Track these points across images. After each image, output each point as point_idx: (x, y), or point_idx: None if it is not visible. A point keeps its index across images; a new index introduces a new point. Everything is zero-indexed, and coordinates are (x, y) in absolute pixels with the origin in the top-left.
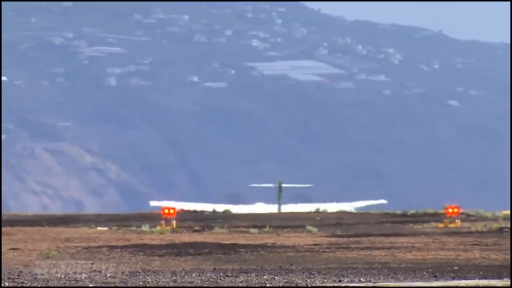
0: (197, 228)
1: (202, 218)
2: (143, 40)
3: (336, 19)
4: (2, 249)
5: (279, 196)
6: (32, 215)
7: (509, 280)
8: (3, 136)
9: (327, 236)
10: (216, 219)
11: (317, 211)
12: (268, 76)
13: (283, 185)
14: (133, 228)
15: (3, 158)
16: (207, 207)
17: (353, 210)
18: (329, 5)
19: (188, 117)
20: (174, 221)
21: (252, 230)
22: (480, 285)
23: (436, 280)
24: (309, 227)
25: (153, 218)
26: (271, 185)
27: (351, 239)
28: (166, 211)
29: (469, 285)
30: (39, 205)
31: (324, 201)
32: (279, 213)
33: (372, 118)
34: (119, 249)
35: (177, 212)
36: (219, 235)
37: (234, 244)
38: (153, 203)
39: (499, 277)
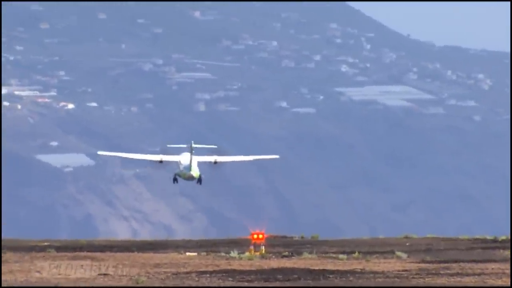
0: (286, 253)
1: (291, 243)
2: (232, 66)
3: (425, 44)
4: (93, 275)
5: (191, 153)
6: (121, 241)
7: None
8: (93, 162)
9: (416, 262)
10: (305, 245)
11: (406, 237)
12: (357, 101)
13: (194, 145)
14: (222, 253)
15: (93, 183)
16: (152, 157)
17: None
18: (418, 30)
19: (276, 142)
20: (263, 246)
21: (341, 256)
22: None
23: None
24: (398, 253)
25: (242, 243)
26: (184, 145)
27: (441, 265)
28: (255, 236)
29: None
30: (129, 230)
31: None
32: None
33: (461, 143)
34: (208, 275)
35: (266, 238)
36: (308, 261)
37: (323, 270)
38: (101, 153)
39: None
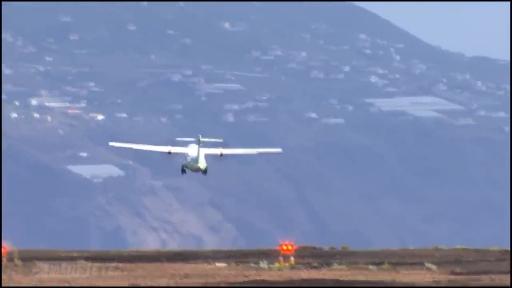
0: (316, 264)
1: (320, 254)
2: (261, 77)
3: (455, 55)
4: (122, 285)
5: (199, 146)
6: (151, 251)
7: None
8: (123, 172)
9: (446, 273)
10: (335, 255)
11: (435, 248)
12: (386, 112)
13: (202, 139)
14: (252, 264)
15: (122, 194)
16: (161, 149)
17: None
18: (447, 41)
19: (306, 153)
20: (293, 257)
21: (370, 266)
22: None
23: None
24: (428, 264)
25: (271, 254)
26: (192, 139)
27: (471, 276)
28: (285, 247)
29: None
30: (158, 240)
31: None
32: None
33: (491, 154)
34: (237, 286)
35: (295, 248)
36: (337, 272)
37: (353, 280)
38: (112, 144)
39: None
